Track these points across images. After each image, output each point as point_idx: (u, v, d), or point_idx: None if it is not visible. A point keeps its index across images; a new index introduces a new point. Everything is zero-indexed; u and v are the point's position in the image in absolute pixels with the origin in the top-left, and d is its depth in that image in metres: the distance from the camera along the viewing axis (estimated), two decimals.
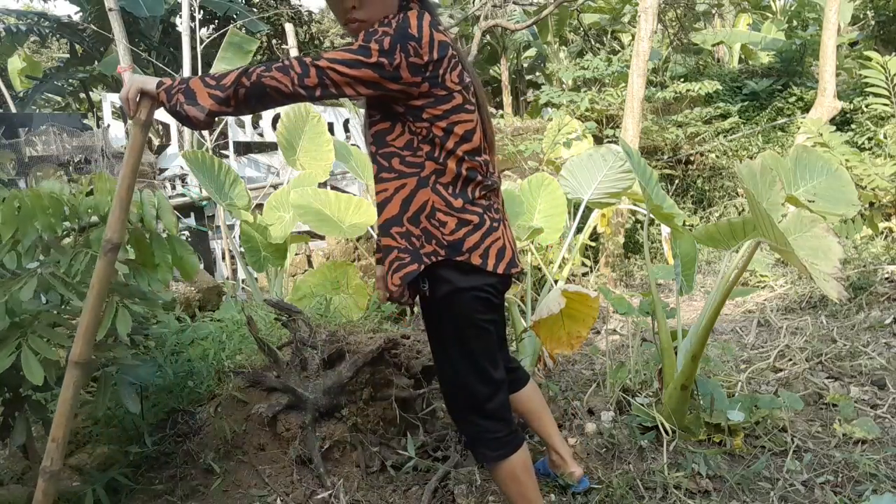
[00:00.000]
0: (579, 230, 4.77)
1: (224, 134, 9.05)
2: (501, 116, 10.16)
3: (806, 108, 9.01)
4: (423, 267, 1.64)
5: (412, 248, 1.65)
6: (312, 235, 5.99)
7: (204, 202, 7.07)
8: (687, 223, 7.43)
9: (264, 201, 5.09)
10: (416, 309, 2.71)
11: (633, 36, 10.13)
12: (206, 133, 8.15)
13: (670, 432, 2.55)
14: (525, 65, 17.18)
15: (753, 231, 2.41)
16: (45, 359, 1.77)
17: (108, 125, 8.20)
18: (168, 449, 2.45)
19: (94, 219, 1.95)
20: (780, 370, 3.52)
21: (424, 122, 1.59)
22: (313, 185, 4.47)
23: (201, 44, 8.35)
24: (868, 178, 6.28)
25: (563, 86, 11.33)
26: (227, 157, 8.83)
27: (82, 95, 15.48)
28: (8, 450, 2.46)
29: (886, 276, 5.01)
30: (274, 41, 15.41)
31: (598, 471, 2.39)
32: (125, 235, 1.75)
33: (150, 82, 1.56)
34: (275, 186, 6.63)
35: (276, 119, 9.00)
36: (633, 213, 6.69)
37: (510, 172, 7.49)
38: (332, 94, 1.53)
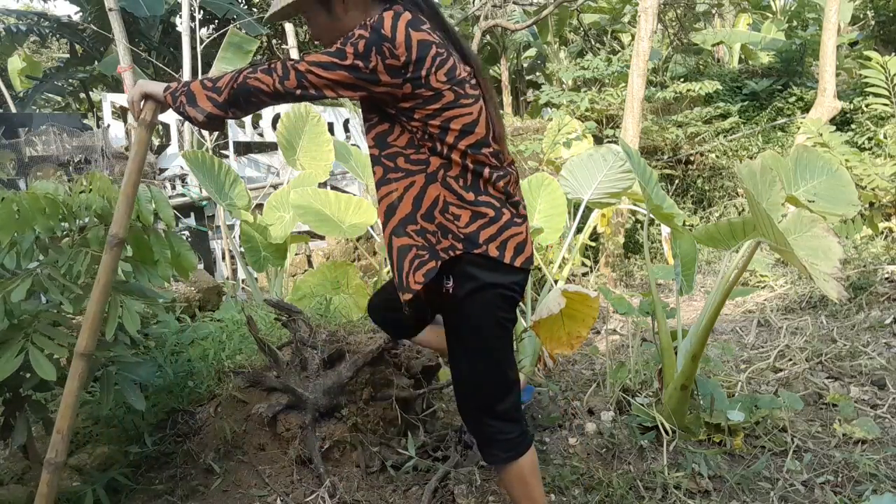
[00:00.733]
0: (579, 230, 4.77)
1: (224, 134, 9.05)
2: (501, 116, 10.14)
3: (806, 108, 9.01)
4: (440, 263, 1.62)
5: (429, 245, 1.63)
6: (312, 235, 5.99)
7: (204, 202, 7.07)
8: (687, 223, 7.44)
9: (264, 201, 5.09)
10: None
11: (633, 36, 10.13)
12: (205, 133, 8.15)
13: (670, 432, 2.55)
14: (525, 65, 17.17)
15: (753, 231, 2.41)
16: (49, 356, 1.78)
17: (108, 125, 8.19)
18: (168, 449, 2.45)
19: (93, 219, 1.95)
20: (780, 370, 3.52)
21: (417, 121, 1.57)
22: (313, 185, 4.47)
23: (201, 44, 8.34)
24: (868, 178, 6.28)
25: (563, 86, 11.33)
26: (227, 157, 8.82)
27: (82, 95, 15.47)
28: (8, 450, 2.46)
29: (886, 276, 5.01)
30: (274, 41, 15.41)
31: (599, 471, 2.39)
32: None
33: (156, 86, 1.63)
34: (275, 186, 6.63)
35: (276, 119, 9.00)
36: (633, 213, 6.69)
37: None
38: (313, 95, 1.54)
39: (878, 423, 2.72)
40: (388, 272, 2.03)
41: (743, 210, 8.07)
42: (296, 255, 6.16)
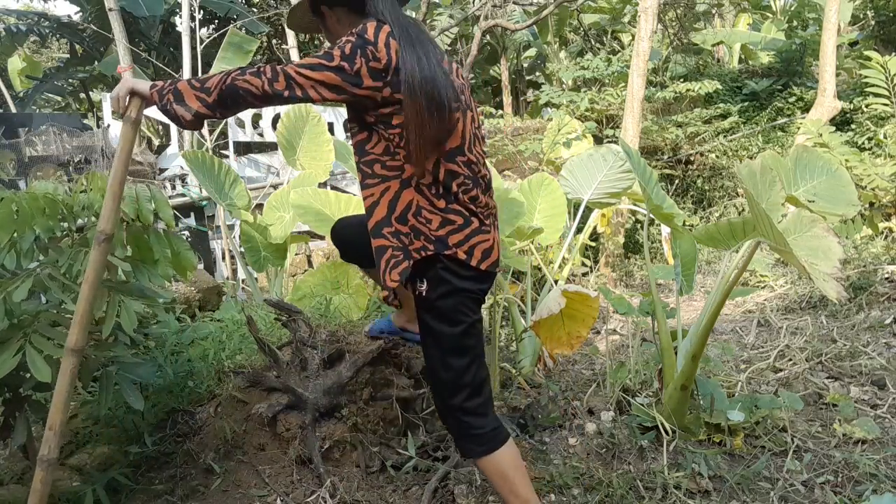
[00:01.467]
0: (579, 230, 4.77)
1: (224, 134, 9.04)
2: (501, 116, 10.14)
3: (806, 108, 9.00)
4: (412, 262, 1.74)
5: (403, 246, 1.75)
6: (312, 235, 5.98)
7: (204, 202, 7.07)
8: (687, 223, 7.43)
9: (264, 201, 5.09)
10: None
11: (633, 36, 10.13)
12: (206, 133, 8.15)
13: (670, 432, 2.55)
14: (525, 65, 17.17)
15: (753, 231, 2.41)
16: (48, 356, 1.77)
17: (108, 125, 8.19)
18: (168, 449, 2.45)
19: (92, 219, 1.95)
20: (780, 370, 3.52)
21: (395, 128, 1.66)
22: (313, 185, 4.47)
23: (201, 44, 8.34)
24: (868, 178, 6.28)
25: (563, 86, 11.33)
26: (227, 157, 8.81)
27: (82, 95, 15.47)
28: (8, 450, 2.46)
29: (886, 276, 5.01)
30: (274, 41, 15.41)
31: (599, 471, 2.39)
32: (118, 226, 1.79)
33: (142, 84, 1.66)
34: (275, 186, 6.63)
35: (276, 119, 8.99)
36: (633, 213, 6.69)
37: (510, 172, 7.49)
38: (299, 96, 1.61)
39: (878, 423, 2.72)
40: None
41: (743, 210, 8.07)
42: (296, 255, 6.16)
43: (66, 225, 1.96)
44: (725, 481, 2.32)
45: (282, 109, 7.85)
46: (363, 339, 2.62)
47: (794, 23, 13.30)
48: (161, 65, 11.43)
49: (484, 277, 1.82)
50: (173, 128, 8.54)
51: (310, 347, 2.50)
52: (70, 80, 14.58)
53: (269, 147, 9.43)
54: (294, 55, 10.47)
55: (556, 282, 3.77)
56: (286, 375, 2.45)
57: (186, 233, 6.70)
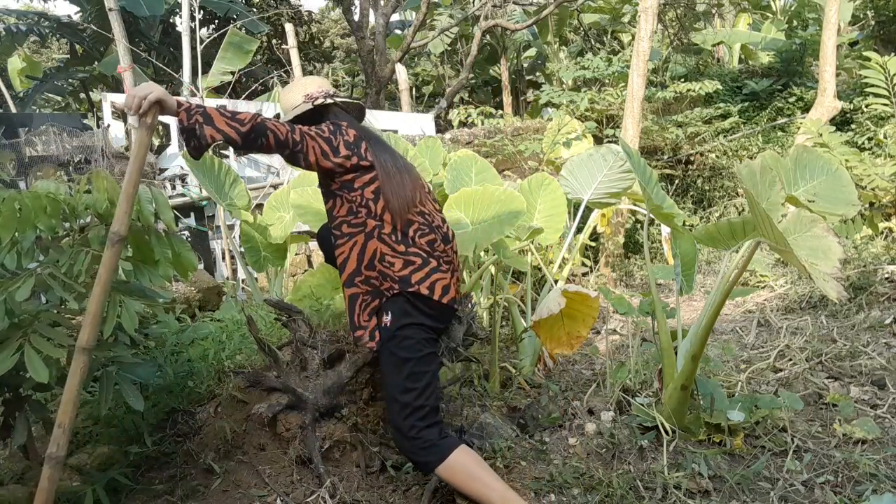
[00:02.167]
0: (579, 230, 4.77)
1: None
2: (501, 116, 10.14)
3: (806, 108, 9.00)
4: (384, 300, 2.10)
5: (373, 289, 2.12)
6: (312, 235, 5.97)
7: (204, 202, 7.06)
8: (687, 223, 7.43)
9: (264, 201, 5.09)
10: None
11: (633, 36, 10.13)
12: None
13: (670, 432, 2.55)
14: (525, 65, 17.18)
15: (753, 231, 2.41)
16: (47, 357, 1.78)
17: (108, 125, 8.18)
18: (168, 449, 2.45)
19: (94, 219, 1.95)
20: (780, 370, 3.52)
21: (357, 190, 2.09)
22: (313, 185, 4.46)
23: (201, 44, 8.34)
24: (868, 178, 6.28)
25: (563, 86, 11.33)
26: (227, 157, 8.81)
27: (82, 95, 15.47)
28: (8, 450, 2.45)
29: (886, 276, 5.01)
30: (274, 41, 15.41)
31: (599, 471, 2.39)
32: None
33: (170, 98, 1.85)
34: (275, 186, 6.63)
35: (276, 118, 8.99)
36: (633, 213, 6.69)
37: (510, 172, 7.49)
38: (300, 153, 2.02)
39: (878, 423, 2.72)
40: None
41: (743, 210, 8.06)
42: (296, 255, 6.16)
43: (67, 224, 1.96)
44: (725, 481, 2.32)
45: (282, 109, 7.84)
46: None
47: (794, 23, 13.31)
48: (161, 65, 11.42)
49: (441, 315, 2.14)
50: (173, 128, 8.54)
51: (310, 347, 2.50)
52: (70, 80, 14.58)
53: None
54: (294, 55, 10.48)
55: (556, 282, 3.77)
56: (286, 375, 2.45)
57: (186, 233, 6.69)
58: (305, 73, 12.59)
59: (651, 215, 2.99)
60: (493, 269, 3.57)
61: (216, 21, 12.91)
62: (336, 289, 4.14)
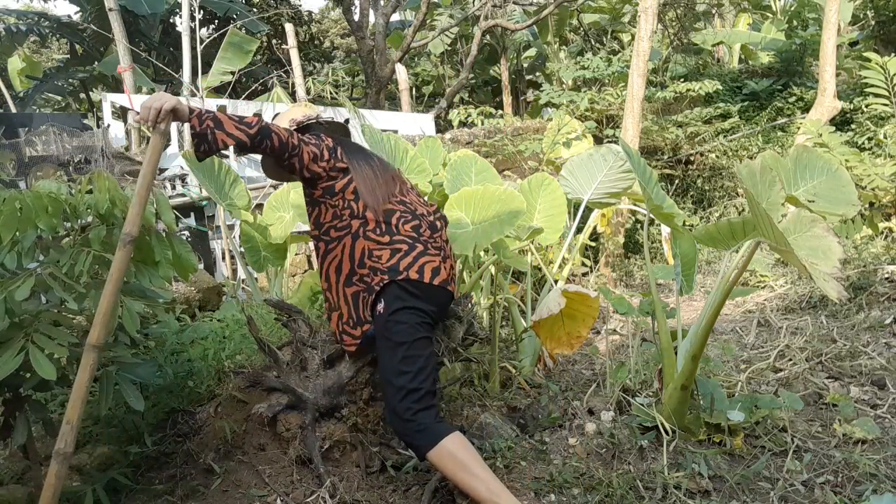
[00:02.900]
0: (579, 230, 4.77)
1: None
2: (501, 116, 10.15)
3: (806, 108, 9.00)
4: (376, 293, 2.16)
5: (367, 284, 2.19)
6: None
7: (204, 202, 7.06)
8: (687, 223, 7.43)
9: (264, 201, 5.09)
10: None
11: (633, 36, 10.13)
12: None
13: (670, 432, 2.55)
14: (525, 65, 17.17)
15: (753, 231, 2.41)
16: (51, 355, 1.78)
17: (108, 125, 8.19)
18: (168, 449, 2.45)
19: (96, 219, 1.95)
20: (780, 370, 3.52)
21: (338, 194, 2.22)
22: None
23: (201, 44, 8.34)
24: (868, 178, 6.27)
25: (563, 86, 11.33)
26: (227, 157, 8.82)
27: (82, 95, 15.47)
28: (8, 450, 2.46)
29: (886, 276, 5.01)
30: (274, 41, 15.42)
31: (599, 471, 2.39)
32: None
33: (182, 105, 1.97)
34: (275, 186, 6.62)
35: (275, 118, 8.99)
36: (633, 213, 6.69)
37: (510, 172, 7.49)
38: (296, 157, 2.14)
39: (878, 423, 2.72)
40: None
41: (743, 210, 8.06)
42: (296, 255, 6.16)
43: (68, 224, 1.96)
44: (725, 481, 2.32)
45: (281, 108, 7.85)
46: None
47: (794, 23, 13.30)
48: (161, 65, 11.43)
49: (434, 298, 2.19)
50: (173, 128, 8.54)
51: (310, 347, 2.50)
52: (70, 80, 14.59)
53: None
54: (294, 55, 10.49)
55: (556, 282, 3.77)
56: (286, 375, 2.45)
57: (186, 233, 6.69)
58: (305, 73, 12.57)
59: (651, 215, 2.99)
60: (493, 269, 3.57)
61: (216, 21, 12.91)
62: None
